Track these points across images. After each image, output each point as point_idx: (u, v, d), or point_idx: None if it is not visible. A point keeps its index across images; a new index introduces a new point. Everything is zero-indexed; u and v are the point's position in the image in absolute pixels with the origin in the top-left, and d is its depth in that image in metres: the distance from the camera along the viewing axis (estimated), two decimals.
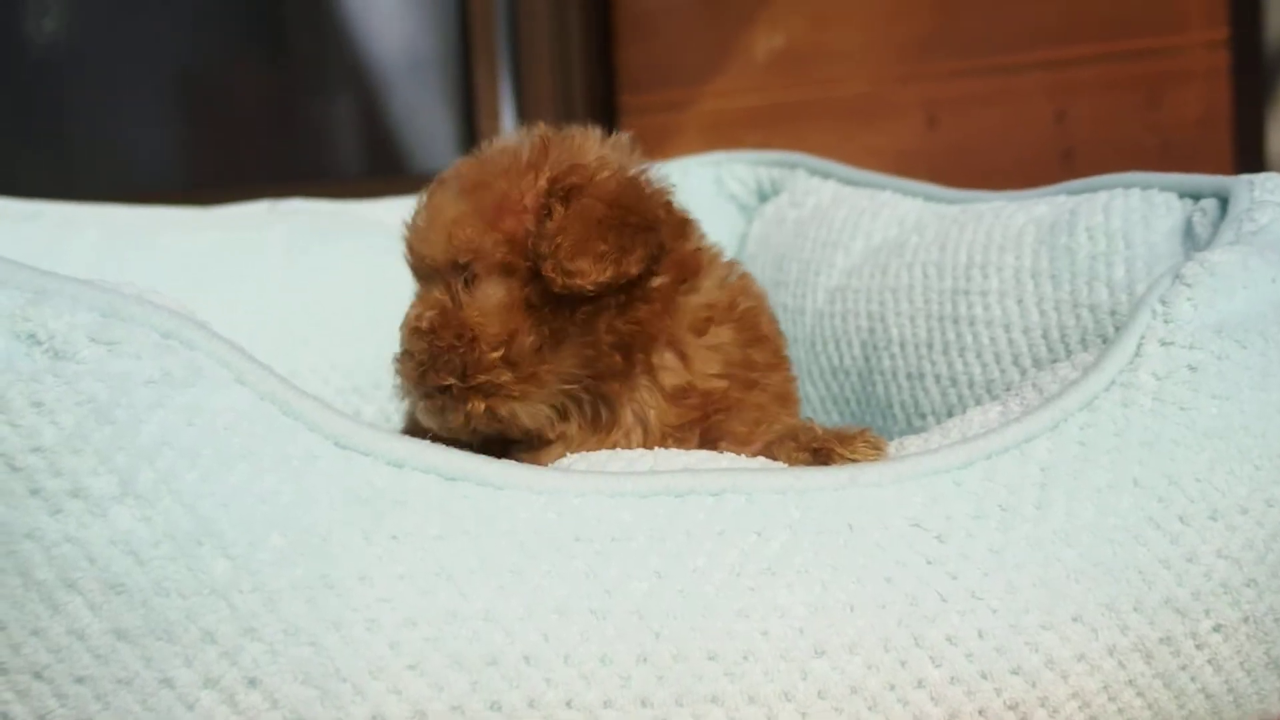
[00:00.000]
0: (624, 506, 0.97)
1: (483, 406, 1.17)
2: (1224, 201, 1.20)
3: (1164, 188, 1.28)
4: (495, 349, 1.16)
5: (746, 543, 0.97)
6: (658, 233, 1.16)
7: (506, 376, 1.16)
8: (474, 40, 3.09)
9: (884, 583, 0.98)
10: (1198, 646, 1.03)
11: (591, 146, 1.22)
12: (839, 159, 2.31)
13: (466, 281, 1.18)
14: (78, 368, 0.91)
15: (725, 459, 1.09)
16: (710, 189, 1.85)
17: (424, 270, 1.22)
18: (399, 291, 1.83)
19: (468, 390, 1.17)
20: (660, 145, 3.05)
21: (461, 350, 1.16)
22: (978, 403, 1.35)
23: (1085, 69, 2.38)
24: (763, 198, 1.84)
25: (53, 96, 2.81)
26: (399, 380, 1.21)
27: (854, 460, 1.09)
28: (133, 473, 0.90)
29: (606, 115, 3.12)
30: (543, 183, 1.17)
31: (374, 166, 3.08)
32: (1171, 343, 1.06)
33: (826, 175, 1.73)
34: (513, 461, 1.00)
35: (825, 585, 0.97)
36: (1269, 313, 1.08)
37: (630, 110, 3.14)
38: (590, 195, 1.15)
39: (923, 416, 1.41)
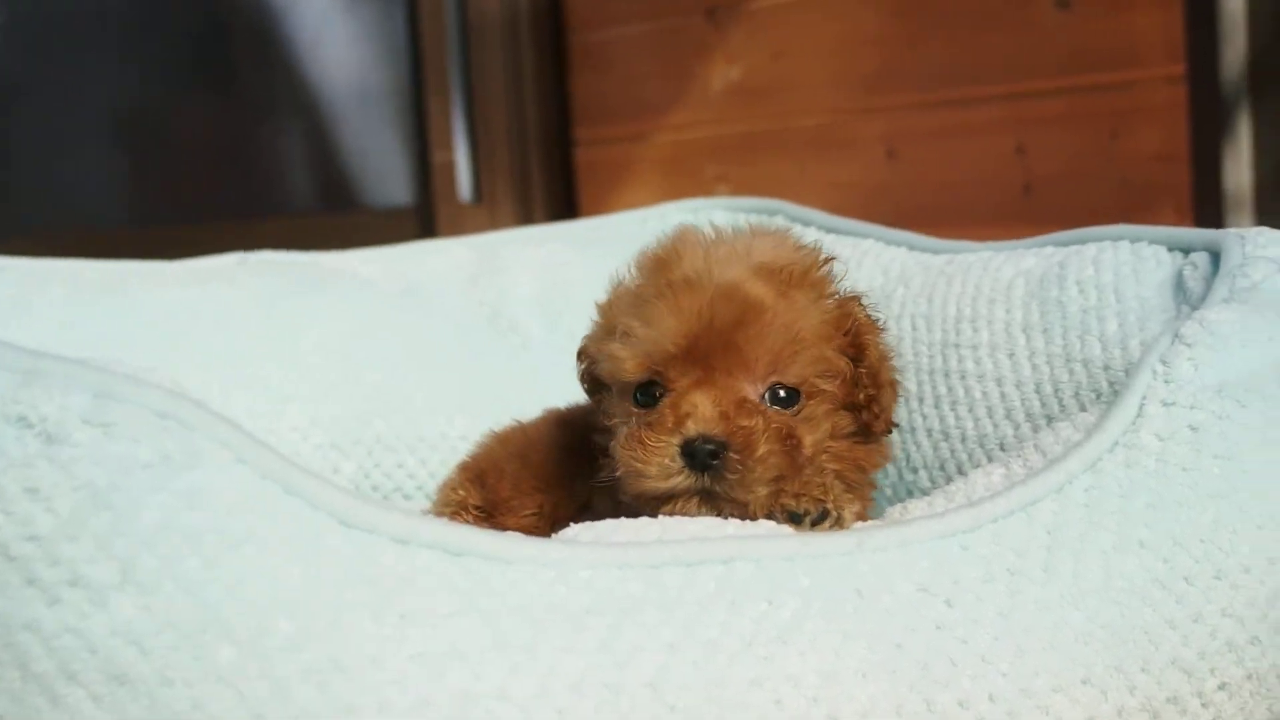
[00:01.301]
0: (634, 577, 0.96)
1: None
2: (1215, 255, 1.21)
3: (1153, 240, 1.29)
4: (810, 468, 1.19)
5: (757, 611, 0.96)
6: None
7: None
8: (426, 72, 3.08)
9: (895, 649, 0.97)
10: (1203, 705, 1.03)
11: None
12: (798, 191, 2.33)
13: (789, 396, 1.18)
14: (73, 451, 0.89)
15: (732, 525, 1.08)
16: None
17: (708, 348, 1.17)
18: (376, 345, 1.82)
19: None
20: (616, 177, 3.05)
21: (787, 462, 1.16)
22: (970, 457, 1.35)
23: (1044, 103, 2.39)
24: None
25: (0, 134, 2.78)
26: (678, 460, 1.16)
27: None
28: (133, 560, 0.88)
29: (560, 148, 3.11)
30: (843, 322, 1.22)
31: (327, 200, 3.06)
32: (1173, 403, 1.06)
33: (807, 222, 1.73)
34: (517, 534, 0.99)
35: (837, 652, 0.97)
36: (1267, 372, 1.08)
37: (584, 142, 3.13)
38: (875, 341, 1.23)
39: (915, 470, 1.41)
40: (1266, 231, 1.20)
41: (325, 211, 3.02)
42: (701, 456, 1.13)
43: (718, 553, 0.98)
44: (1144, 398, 1.07)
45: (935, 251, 1.54)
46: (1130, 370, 1.23)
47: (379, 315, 1.85)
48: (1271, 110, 2.22)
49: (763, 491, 1.14)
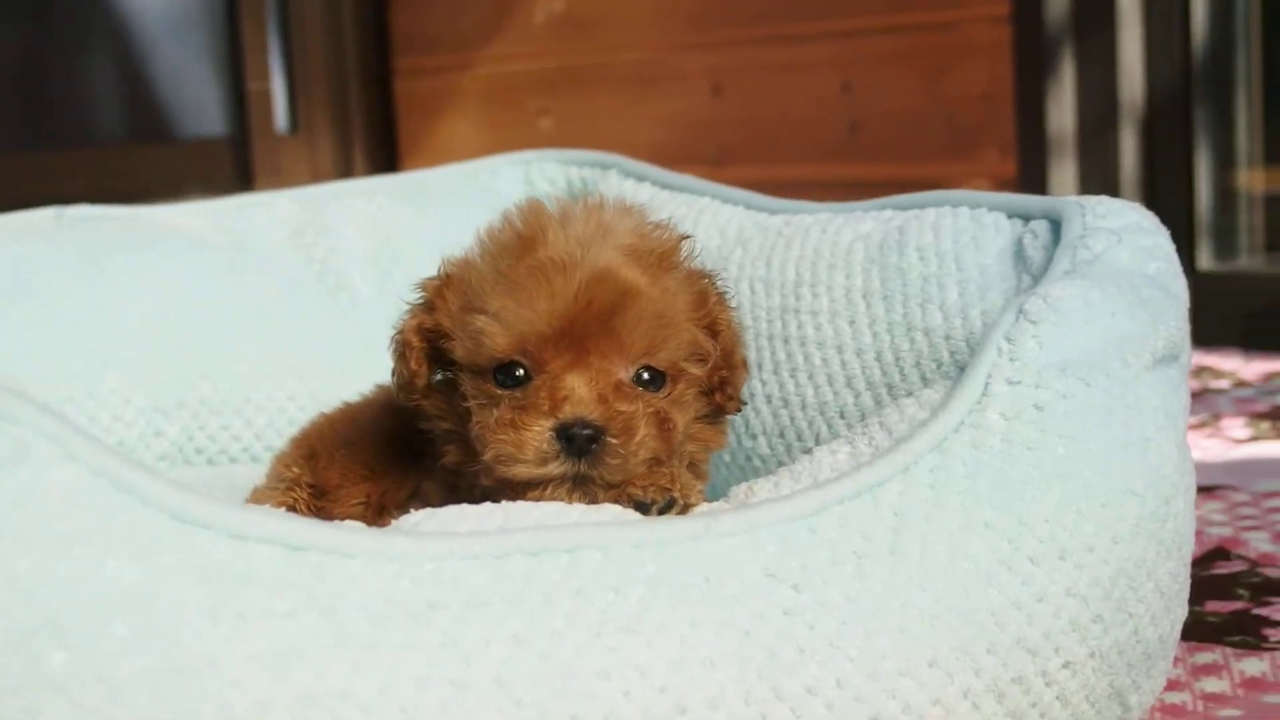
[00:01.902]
0: (478, 569, 0.94)
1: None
2: (1055, 223, 1.21)
3: (992, 207, 1.29)
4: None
5: (604, 600, 0.95)
6: None
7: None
8: None
9: (743, 635, 0.97)
10: (1047, 684, 1.04)
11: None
12: (622, 126, 2.30)
13: (654, 379, 1.18)
14: None
15: (577, 512, 1.06)
16: (520, 190, 1.82)
17: (584, 331, 1.15)
18: (200, 304, 1.77)
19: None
20: (437, 109, 2.99)
21: (663, 445, 1.17)
22: (810, 424, 1.35)
23: (871, 41, 2.39)
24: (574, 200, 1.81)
25: None
26: (554, 445, 1.14)
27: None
28: None
29: (380, 79, 3.05)
30: (702, 302, 1.22)
31: (137, 131, 2.95)
32: (1018, 382, 1.06)
33: (641, 178, 1.70)
34: (358, 524, 0.97)
35: (685, 640, 0.96)
36: (1110, 349, 1.09)
37: (405, 73, 3.06)
38: (728, 320, 1.24)
39: (754, 437, 1.41)
40: (1106, 200, 1.20)
41: (136, 142, 2.91)
42: (580, 441, 1.12)
43: (563, 541, 0.97)
44: (989, 376, 1.07)
45: (772, 211, 1.52)
46: (971, 341, 1.23)
47: (203, 273, 1.80)
48: (1095, 51, 2.24)
49: (638, 474, 1.14)
